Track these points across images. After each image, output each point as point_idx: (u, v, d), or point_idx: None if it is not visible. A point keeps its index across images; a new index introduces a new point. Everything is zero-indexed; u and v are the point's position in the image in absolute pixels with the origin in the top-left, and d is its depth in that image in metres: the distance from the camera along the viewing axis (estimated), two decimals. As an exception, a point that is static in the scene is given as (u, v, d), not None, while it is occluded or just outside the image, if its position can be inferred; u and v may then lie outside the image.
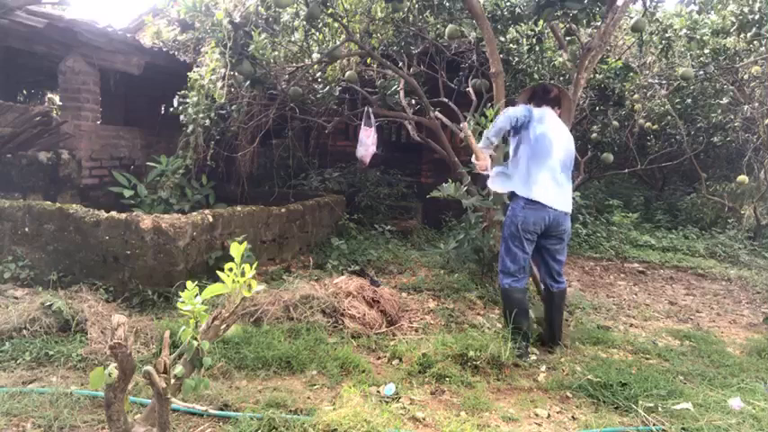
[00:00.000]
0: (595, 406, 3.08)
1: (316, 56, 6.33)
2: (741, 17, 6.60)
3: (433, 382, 3.24)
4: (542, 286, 4.07)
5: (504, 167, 3.92)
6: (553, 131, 3.72)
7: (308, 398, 2.98)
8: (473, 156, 3.84)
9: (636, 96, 8.57)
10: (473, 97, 6.81)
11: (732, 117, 8.67)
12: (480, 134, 4.54)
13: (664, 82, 8.11)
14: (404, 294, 4.98)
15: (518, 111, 3.68)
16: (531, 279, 4.23)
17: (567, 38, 6.13)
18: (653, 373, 3.44)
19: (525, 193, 3.67)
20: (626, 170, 9.51)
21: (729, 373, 3.61)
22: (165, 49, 7.12)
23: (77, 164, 6.44)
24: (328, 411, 2.70)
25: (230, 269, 2.02)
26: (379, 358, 3.65)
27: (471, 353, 3.43)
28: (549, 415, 2.96)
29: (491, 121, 4.46)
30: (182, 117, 6.18)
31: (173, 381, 2.01)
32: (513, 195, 3.78)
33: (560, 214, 3.71)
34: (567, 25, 5.83)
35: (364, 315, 4.07)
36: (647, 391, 3.12)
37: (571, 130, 4.10)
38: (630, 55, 8.16)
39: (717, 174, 10.59)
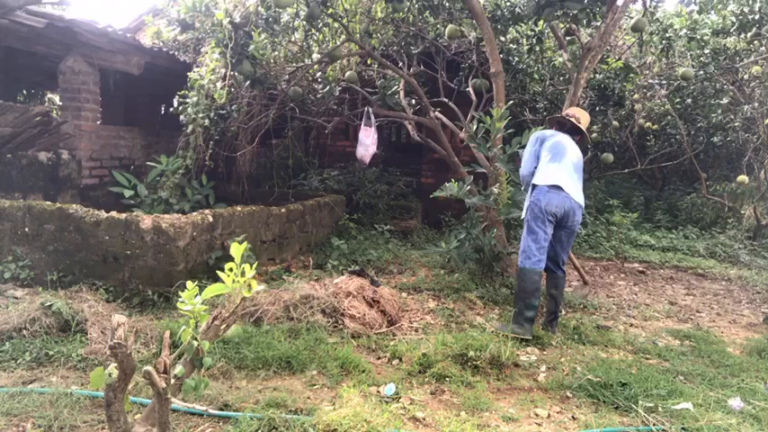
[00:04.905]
0: (595, 406, 3.08)
1: (316, 56, 6.34)
2: (741, 17, 6.61)
3: (433, 382, 3.24)
4: (546, 272, 4.38)
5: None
6: (565, 141, 4.26)
7: (308, 398, 2.98)
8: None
9: (636, 96, 8.58)
10: (473, 97, 6.82)
11: (732, 117, 8.67)
12: (486, 132, 4.83)
13: (664, 82, 8.11)
14: (404, 294, 4.98)
15: (529, 149, 4.30)
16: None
17: (567, 38, 6.14)
18: (653, 373, 3.44)
19: (546, 181, 4.07)
20: (626, 170, 9.51)
21: (729, 373, 3.61)
22: (165, 49, 7.12)
23: (77, 164, 6.43)
24: (328, 411, 2.70)
25: (230, 269, 2.02)
26: (379, 358, 3.65)
27: (471, 353, 3.43)
28: (549, 415, 2.96)
29: (497, 120, 4.72)
30: (182, 117, 6.19)
31: (173, 381, 2.01)
32: (533, 187, 4.15)
33: (575, 204, 4.10)
34: (567, 25, 5.84)
35: (364, 315, 4.06)
36: (647, 391, 3.12)
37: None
38: (630, 55, 8.16)
39: (717, 174, 10.57)
